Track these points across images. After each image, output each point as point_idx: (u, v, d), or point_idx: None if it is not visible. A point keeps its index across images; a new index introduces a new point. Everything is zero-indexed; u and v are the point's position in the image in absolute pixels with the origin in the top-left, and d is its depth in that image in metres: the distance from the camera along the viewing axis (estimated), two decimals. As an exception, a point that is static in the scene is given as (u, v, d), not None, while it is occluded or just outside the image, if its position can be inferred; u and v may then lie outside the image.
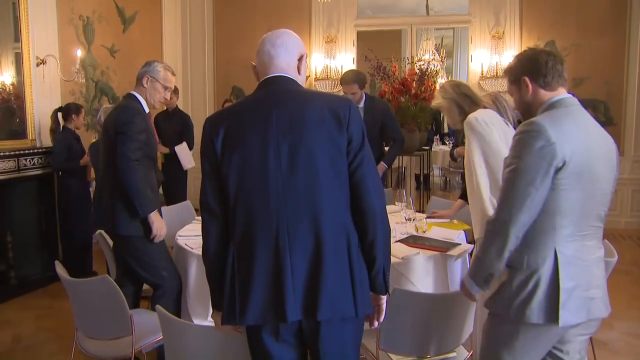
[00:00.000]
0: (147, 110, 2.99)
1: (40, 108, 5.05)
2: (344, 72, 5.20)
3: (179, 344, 2.05)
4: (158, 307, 2.08)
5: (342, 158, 1.74)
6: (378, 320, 1.92)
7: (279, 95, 1.79)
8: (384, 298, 1.89)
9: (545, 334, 1.84)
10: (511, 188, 1.77)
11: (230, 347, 1.95)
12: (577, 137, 1.78)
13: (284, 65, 1.83)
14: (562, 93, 1.90)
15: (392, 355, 2.44)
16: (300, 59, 1.87)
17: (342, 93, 7.38)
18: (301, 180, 1.71)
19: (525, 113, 1.96)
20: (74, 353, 2.73)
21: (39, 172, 4.95)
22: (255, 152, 1.72)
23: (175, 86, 6.40)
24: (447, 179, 10.02)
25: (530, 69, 1.90)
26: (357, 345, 1.88)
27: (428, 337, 2.32)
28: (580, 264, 1.81)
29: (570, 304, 1.77)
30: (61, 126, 4.99)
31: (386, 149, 4.65)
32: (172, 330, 2.07)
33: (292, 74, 1.85)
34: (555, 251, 1.78)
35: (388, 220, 1.83)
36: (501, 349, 1.88)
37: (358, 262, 1.77)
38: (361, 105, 4.36)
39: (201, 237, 1.84)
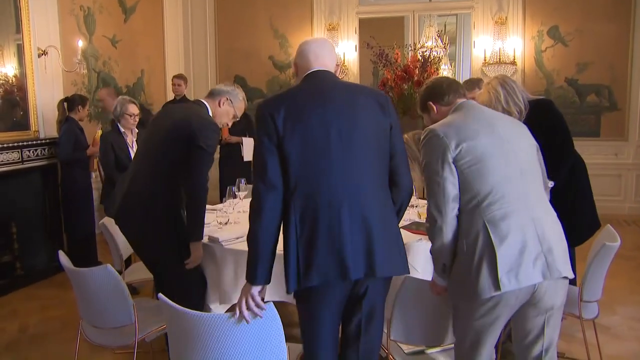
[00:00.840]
0: None
1: (43, 99, 5.06)
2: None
3: (182, 333, 2.06)
4: (161, 296, 2.09)
5: (386, 141, 2.02)
6: None
7: (329, 84, 2.03)
8: None
9: (498, 306, 1.97)
10: (427, 185, 2.08)
11: (235, 335, 1.96)
12: (468, 128, 2.06)
13: (327, 63, 2.09)
14: (458, 102, 2.23)
15: (402, 346, 2.44)
16: (337, 65, 2.16)
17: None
18: (356, 156, 1.94)
19: None
20: (79, 342, 2.74)
21: (42, 163, 4.97)
22: (317, 130, 1.91)
23: (183, 74, 6.48)
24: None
25: (433, 95, 2.29)
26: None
27: (438, 326, 2.30)
28: (516, 233, 1.94)
29: (512, 269, 1.91)
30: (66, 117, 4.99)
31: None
32: (175, 319, 2.08)
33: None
34: (485, 224, 1.95)
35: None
36: (466, 329, 2.07)
37: (398, 228, 2.09)
38: None
39: (250, 208, 1.97)
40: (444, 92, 2.25)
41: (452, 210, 2.02)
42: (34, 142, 4.87)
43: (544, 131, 3.30)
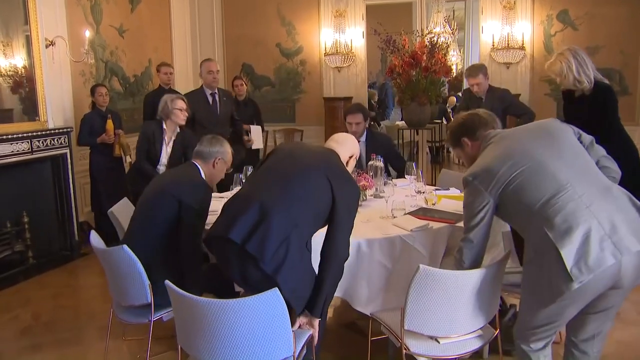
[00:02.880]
0: None
1: (51, 90, 5.08)
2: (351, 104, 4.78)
3: (188, 319, 2.11)
4: (167, 282, 2.14)
5: (325, 208, 2.34)
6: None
7: (324, 155, 2.53)
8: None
9: (580, 295, 2.00)
10: (466, 218, 2.29)
11: (241, 321, 1.99)
12: (501, 161, 2.17)
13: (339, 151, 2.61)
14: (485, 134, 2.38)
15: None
16: (350, 157, 2.65)
17: (351, 69, 7.35)
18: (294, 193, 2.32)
19: (472, 162, 2.38)
20: (91, 329, 2.77)
21: (52, 153, 5.00)
22: (278, 163, 2.48)
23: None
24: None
25: (466, 131, 2.44)
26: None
27: (453, 316, 2.30)
28: (574, 224, 1.96)
29: (580, 259, 1.93)
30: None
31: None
32: (181, 305, 2.13)
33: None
34: (543, 227, 2.01)
35: (342, 266, 2.40)
36: (546, 315, 2.10)
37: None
38: (363, 139, 4.31)
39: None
40: (475, 127, 2.41)
41: (484, 241, 2.27)
42: (43, 132, 4.90)
43: (601, 114, 3.42)
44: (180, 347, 2.25)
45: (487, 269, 2.27)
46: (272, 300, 1.99)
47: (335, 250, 2.35)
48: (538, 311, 2.10)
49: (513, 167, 2.13)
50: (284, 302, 2.01)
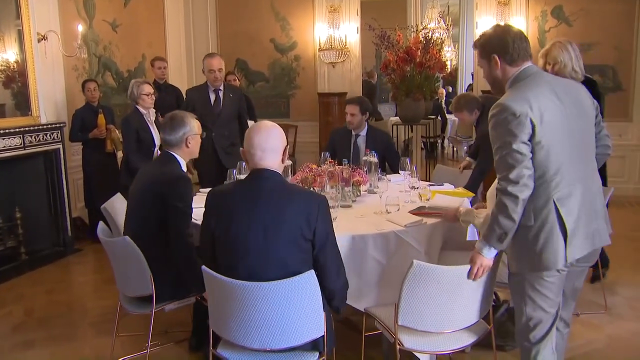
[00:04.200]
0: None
1: (44, 84, 5.04)
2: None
3: (224, 301, 2.16)
4: (204, 267, 2.17)
5: (306, 245, 2.15)
6: None
7: (265, 190, 2.17)
8: None
9: (557, 274, 2.10)
10: (502, 161, 2.03)
11: (275, 302, 2.05)
12: (542, 105, 2.00)
13: (270, 163, 2.19)
14: (524, 65, 2.12)
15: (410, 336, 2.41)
16: (284, 152, 2.25)
17: (346, 64, 7.33)
18: (274, 250, 2.11)
19: (494, 85, 2.21)
20: (84, 326, 2.76)
21: (44, 148, 4.97)
22: (242, 228, 2.13)
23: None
24: (455, 148, 9.98)
25: (499, 49, 2.12)
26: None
27: (447, 312, 2.29)
28: (580, 205, 2.06)
29: (576, 241, 2.05)
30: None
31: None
32: (214, 287, 2.18)
33: (276, 168, 2.22)
34: (555, 202, 2.02)
35: (346, 294, 2.35)
36: (526, 299, 2.17)
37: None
38: (363, 133, 4.35)
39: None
40: (512, 51, 2.09)
41: (530, 185, 2.01)
42: (36, 128, 4.87)
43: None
44: (212, 332, 2.27)
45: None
46: (306, 283, 2.06)
47: (333, 290, 2.26)
48: (520, 271, 2.17)
49: (550, 128, 2.00)
50: (318, 284, 2.08)
